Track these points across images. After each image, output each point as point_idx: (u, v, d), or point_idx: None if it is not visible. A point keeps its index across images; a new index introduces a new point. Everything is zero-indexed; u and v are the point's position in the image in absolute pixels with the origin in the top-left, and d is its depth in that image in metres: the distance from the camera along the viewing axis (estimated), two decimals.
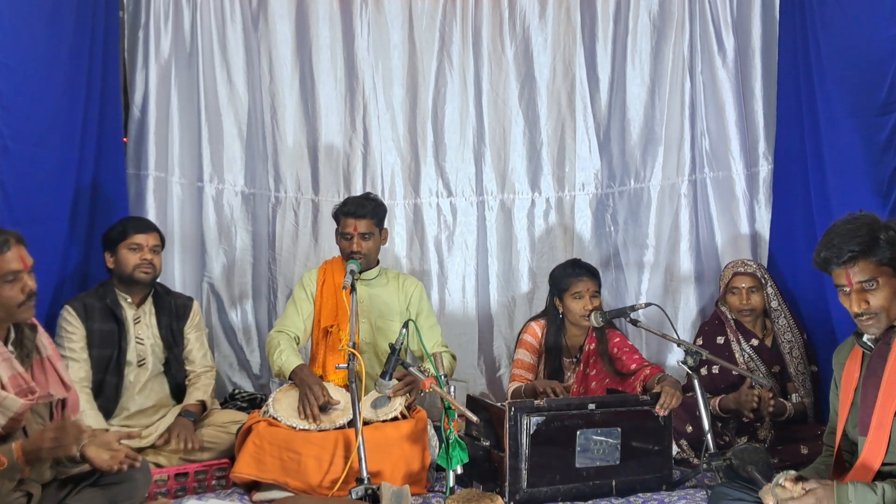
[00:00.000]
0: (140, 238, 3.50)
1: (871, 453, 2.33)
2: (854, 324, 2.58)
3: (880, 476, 2.32)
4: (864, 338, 2.47)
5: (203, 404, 3.58)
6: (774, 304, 3.97)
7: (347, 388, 3.22)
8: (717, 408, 3.70)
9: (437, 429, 3.28)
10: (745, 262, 4.05)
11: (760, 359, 3.90)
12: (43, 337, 2.64)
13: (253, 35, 4.52)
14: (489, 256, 4.69)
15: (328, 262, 3.90)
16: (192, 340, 3.68)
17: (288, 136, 4.58)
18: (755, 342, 3.93)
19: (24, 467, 2.34)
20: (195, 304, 3.76)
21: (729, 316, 4.00)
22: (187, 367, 3.67)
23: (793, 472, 2.33)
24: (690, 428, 3.70)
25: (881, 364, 2.38)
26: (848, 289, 2.37)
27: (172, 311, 3.65)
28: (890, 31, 3.27)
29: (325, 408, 3.37)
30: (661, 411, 3.28)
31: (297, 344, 3.70)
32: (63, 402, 2.64)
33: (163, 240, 3.66)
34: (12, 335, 2.54)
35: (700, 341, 3.98)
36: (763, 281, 3.97)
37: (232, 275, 4.53)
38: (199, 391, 3.60)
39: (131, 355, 3.51)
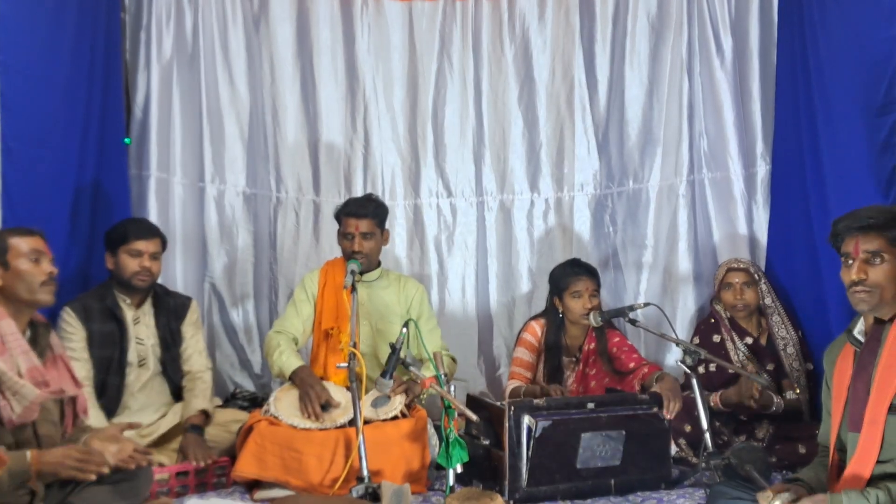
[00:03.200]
0: (141, 244, 3.48)
1: (865, 451, 2.34)
2: (850, 321, 2.59)
3: (875, 474, 2.32)
4: (855, 331, 2.48)
5: (205, 413, 3.53)
6: (768, 300, 4.00)
7: (348, 387, 3.23)
8: (719, 402, 3.72)
9: (437, 428, 3.28)
10: (737, 260, 4.09)
11: (755, 357, 3.92)
12: (55, 336, 2.70)
13: (254, 36, 4.53)
14: (489, 257, 4.70)
15: (329, 263, 3.90)
16: (188, 338, 3.67)
17: (289, 136, 4.59)
18: (749, 340, 3.95)
19: (33, 476, 2.35)
20: (193, 303, 3.75)
21: (723, 314, 4.02)
22: (183, 367, 3.65)
23: (786, 496, 2.35)
24: (689, 427, 3.70)
25: (871, 360, 2.38)
26: (853, 259, 2.38)
27: (171, 310, 3.64)
28: (888, 31, 3.27)
29: (326, 407, 3.38)
30: (669, 415, 3.29)
31: (296, 345, 3.70)
32: (74, 400, 2.67)
33: (164, 243, 3.63)
34: (28, 333, 2.59)
35: (696, 340, 4.00)
36: (756, 277, 4.00)
37: (233, 275, 4.53)
38: (199, 399, 3.54)
39: (132, 356, 3.51)
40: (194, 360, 3.66)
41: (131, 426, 2.73)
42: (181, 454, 3.34)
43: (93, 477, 2.39)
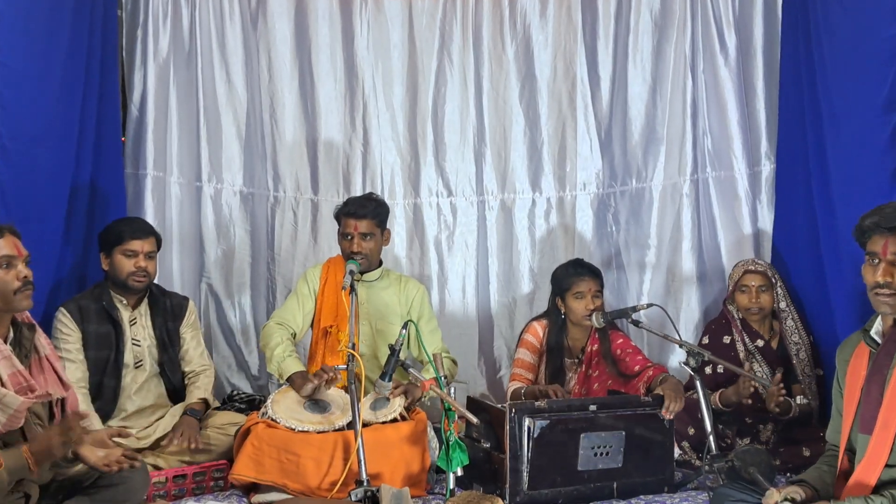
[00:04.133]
0: (136, 244, 3.46)
1: (875, 453, 2.33)
2: (858, 324, 2.56)
3: (882, 478, 2.31)
4: (872, 332, 2.45)
5: (206, 402, 3.55)
6: (783, 304, 3.96)
7: (347, 389, 3.21)
8: (719, 402, 3.69)
9: (437, 430, 3.28)
10: (755, 261, 4.05)
11: (765, 360, 3.89)
12: (41, 337, 2.65)
13: (252, 34, 4.52)
14: (489, 256, 4.68)
15: (332, 261, 3.89)
16: (188, 340, 3.67)
17: (287, 135, 4.57)
18: (760, 343, 3.92)
19: (33, 467, 2.36)
20: (191, 304, 3.75)
21: (735, 315, 3.98)
22: (185, 368, 3.64)
23: (791, 488, 2.33)
24: (692, 430, 3.70)
25: (887, 362, 2.36)
26: (879, 259, 2.35)
27: (168, 311, 3.63)
28: (892, 30, 3.26)
29: (326, 408, 3.36)
30: (667, 415, 3.27)
31: (294, 338, 3.69)
32: (62, 402, 2.64)
33: (159, 242, 3.62)
34: (11, 335, 2.54)
35: (706, 340, 3.98)
36: (773, 281, 3.96)
37: (230, 275, 4.53)
38: (200, 389, 3.57)
39: (128, 357, 3.50)
40: (195, 361, 3.67)
41: (121, 433, 2.67)
42: (173, 431, 3.34)
43: (84, 440, 2.43)
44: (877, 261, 2.36)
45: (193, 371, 3.64)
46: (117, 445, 2.60)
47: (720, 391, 3.72)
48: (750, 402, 3.65)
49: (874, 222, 2.37)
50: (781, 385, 3.61)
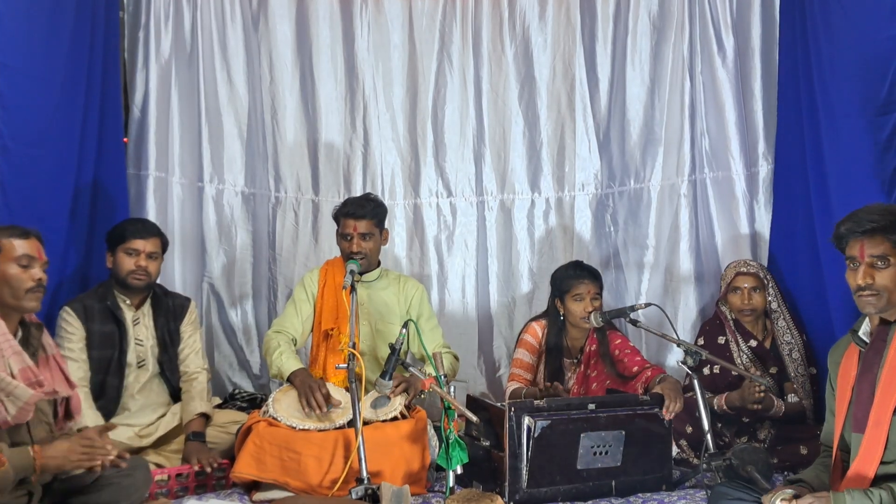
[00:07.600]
0: (138, 244, 3.47)
1: (869, 451, 2.35)
2: (852, 322, 2.58)
3: (879, 475, 2.33)
4: (861, 332, 2.48)
5: (204, 415, 3.53)
6: (774, 305, 3.98)
7: (348, 389, 3.22)
8: (724, 405, 3.71)
9: (437, 429, 3.28)
10: (747, 263, 4.06)
11: (758, 360, 3.91)
12: (47, 336, 2.68)
13: (253, 35, 4.53)
14: (489, 257, 4.70)
15: (329, 263, 3.90)
16: (185, 338, 3.67)
17: (288, 136, 4.59)
18: (753, 343, 3.93)
19: (36, 471, 2.35)
20: (192, 304, 3.75)
21: (729, 316, 4.00)
22: (180, 368, 3.64)
23: (788, 492, 2.36)
24: (690, 428, 3.71)
25: (877, 360, 2.39)
26: (858, 262, 2.39)
27: (170, 311, 3.64)
28: (890, 30, 3.28)
29: (328, 405, 3.38)
30: (668, 416, 3.28)
31: (295, 345, 3.69)
32: (67, 401, 2.65)
33: (164, 244, 3.62)
34: (20, 334, 2.57)
35: (701, 341, 3.99)
36: (765, 281, 3.98)
37: (232, 275, 4.54)
38: (196, 400, 3.54)
39: (131, 357, 3.51)
40: (190, 361, 3.66)
41: (107, 427, 2.61)
42: (186, 462, 3.33)
43: (98, 462, 2.40)
44: (856, 265, 2.40)
45: (187, 373, 3.63)
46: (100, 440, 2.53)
47: (725, 394, 3.73)
48: (757, 407, 3.65)
49: (848, 228, 2.42)
50: (760, 385, 3.61)
